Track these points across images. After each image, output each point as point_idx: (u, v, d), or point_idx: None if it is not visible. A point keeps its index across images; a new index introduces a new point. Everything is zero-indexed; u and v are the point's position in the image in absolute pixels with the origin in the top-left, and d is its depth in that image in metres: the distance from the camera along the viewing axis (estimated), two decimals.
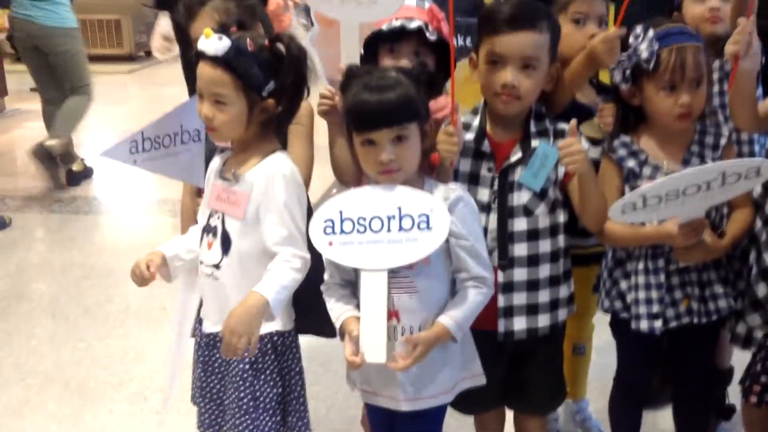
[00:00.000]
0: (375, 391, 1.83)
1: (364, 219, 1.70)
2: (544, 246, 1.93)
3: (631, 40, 1.91)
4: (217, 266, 1.83)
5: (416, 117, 1.71)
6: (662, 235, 1.87)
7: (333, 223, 1.71)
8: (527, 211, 1.90)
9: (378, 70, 1.79)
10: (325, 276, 1.82)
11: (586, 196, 1.88)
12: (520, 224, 1.90)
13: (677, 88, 1.87)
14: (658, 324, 1.94)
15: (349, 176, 1.97)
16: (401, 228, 1.68)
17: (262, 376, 1.86)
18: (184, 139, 2.03)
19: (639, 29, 1.90)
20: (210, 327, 1.89)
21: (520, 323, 1.94)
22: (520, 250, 1.91)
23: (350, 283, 1.80)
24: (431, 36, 1.99)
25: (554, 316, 1.97)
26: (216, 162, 1.91)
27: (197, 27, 2.19)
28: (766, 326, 1.97)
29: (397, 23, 2.00)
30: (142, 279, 1.86)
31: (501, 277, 1.91)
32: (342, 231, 1.70)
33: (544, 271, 1.93)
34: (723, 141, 1.95)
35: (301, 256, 1.78)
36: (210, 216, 1.86)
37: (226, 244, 1.82)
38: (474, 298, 1.74)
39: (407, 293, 1.73)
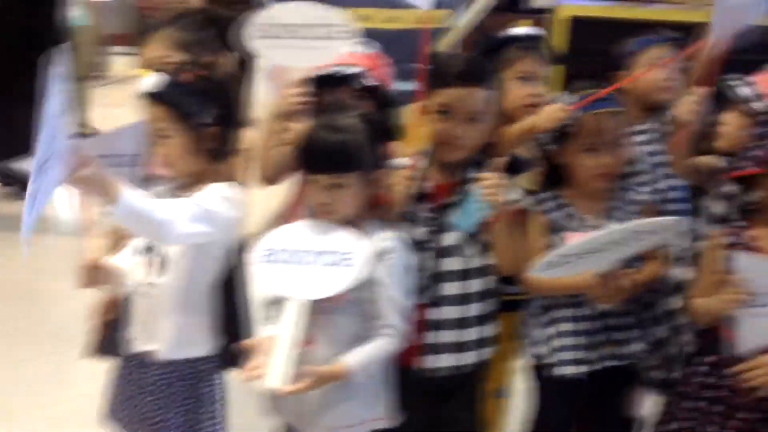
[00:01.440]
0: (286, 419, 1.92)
1: (297, 251, 1.78)
2: (474, 285, 2.01)
3: (568, 105, 2.03)
4: (152, 285, 1.86)
5: (357, 167, 1.78)
6: (582, 286, 1.96)
7: (273, 251, 1.79)
8: (459, 251, 1.98)
9: (338, 114, 1.85)
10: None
11: (498, 236, 1.97)
12: (452, 264, 1.98)
13: (597, 150, 1.99)
14: (581, 369, 2.02)
15: (272, 175, 2.09)
16: (327, 263, 1.76)
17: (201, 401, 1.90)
18: (116, 162, 1.98)
19: (564, 94, 2.03)
20: (140, 346, 1.91)
21: (447, 360, 2.01)
22: (450, 288, 1.99)
23: None
24: (370, 82, 2.06)
25: (480, 353, 2.05)
26: (161, 190, 1.93)
27: (148, 52, 2.23)
28: (664, 367, 2.06)
29: (334, 69, 2.08)
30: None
31: (431, 314, 1.98)
32: (278, 260, 1.78)
33: (473, 309, 2.01)
34: (640, 197, 2.06)
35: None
36: None
37: (164, 264, 1.86)
38: (382, 345, 1.81)
39: (323, 327, 1.80)
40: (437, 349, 2.01)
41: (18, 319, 3.50)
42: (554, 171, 2.10)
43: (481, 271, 2.02)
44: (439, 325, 2.00)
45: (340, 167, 1.77)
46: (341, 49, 2.04)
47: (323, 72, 2.09)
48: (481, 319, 2.04)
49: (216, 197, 1.80)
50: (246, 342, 1.81)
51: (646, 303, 2.09)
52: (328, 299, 1.76)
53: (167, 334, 1.88)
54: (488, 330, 2.06)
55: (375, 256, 1.78)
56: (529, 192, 2.16)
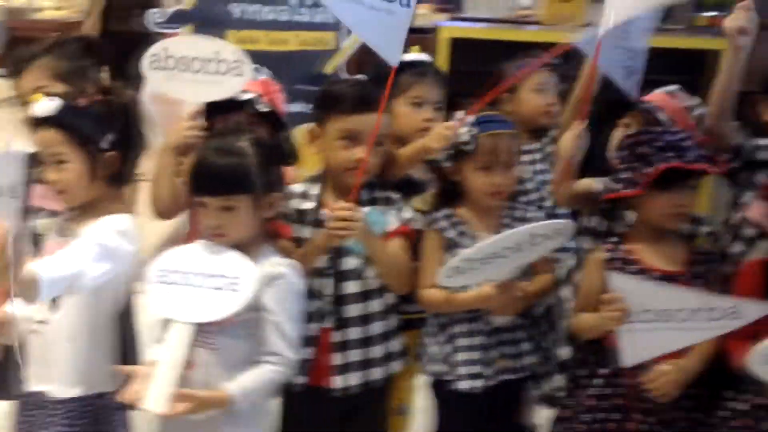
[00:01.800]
0: None
1: (188, 273, 1.77)
2: (375, 305, 2.06)
3: (453, 123, 2.08)
4: (43, 322, 1.81)
5: (248, 190, 1.77)
6: (481, 298, 2.02)
7: (164, 273, 1.78)
8: (358, 275, 2.02)
9: (229, 136, 1.84)
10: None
11: (375, 259, 2.02)
12: (352, 287, 2.02)
13: (492, 169, 2.07)
14: (478, 383, 2.08)
15: (166, 209, 2.07)
16: (214, 287, 1.75)
17: None
18: None
19: (460, 113, 2.10)
20: (36, 385, 1.84)
21: (355, 378, 2.05)
22: (353, 310, 2.03)
23: None
24: (263, 108, 2.08)
25: (388, 369, 2.11)
26: (49, 221, 1.88)
27: (24, 83, 2.15)
28: (568, 387, 2.16)
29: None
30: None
31: (336, 336, 2.02)
32: (169, 281, 1.77)
33: (376, 328, 2.06)
34: (529, 215, 2.15)
35: None
36: None
37: (55, 300, 1.80)
38: (266, 374, 1.78)
39: (208, 349, 1.79)
40: (345, 368, 2.05)
41: None
42: (448, 189, 2.17)
43: (381, 291, 2.08)
44: (345, 346, 2.04)
45: (230, 189, 1.76)
46: (234, 84, 2.05)
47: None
48: (385, 336, 2.10)
49: (112, 232, 1.77)
50: (125, 366, 1.77)
51: (538, 317, 2.18)
52: (213, 323, 1.75)
53: (63, 371, 1.82)
54: (394, 345, 2.12)
55: (264, 281, 1.77)
56: (423, 212, 2.22)
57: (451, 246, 2.10)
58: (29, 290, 1.56)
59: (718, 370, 2.12)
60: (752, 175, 2.17)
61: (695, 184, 1.96)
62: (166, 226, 2.21)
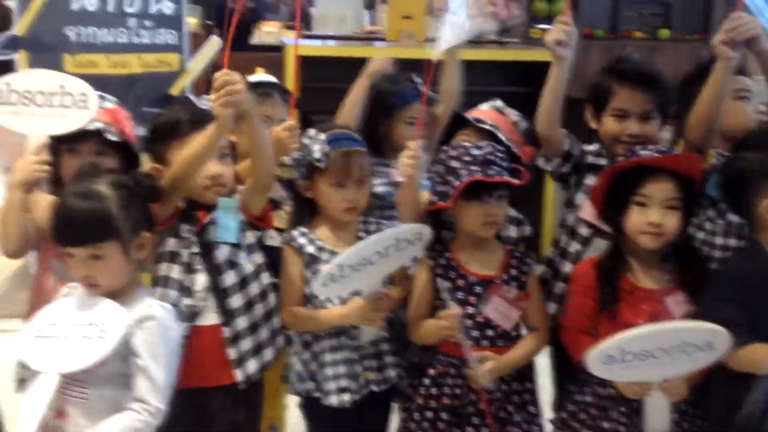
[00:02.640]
0: None
1: (57, 324, 1.73)
2: (254, 288, 2.07)
3: (305, 140, 2.11)
4: None
5: (111, 236, 1.72)
6: (348, 313, 2.06)
7: (41, 327, 1.75)
8: (232, 264, 2.02)
9: (85, 181, 1.79)
10: None
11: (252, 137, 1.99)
12: (229, 278, 2.02)
13: (344, 186, 2.11)
14: (346, 397, 2.10)
15: (15, 247, 2.01)
16: (83, 336, 1.70)
17: None
18: None
19: (312, 131, 2.13)
20: None
21: (253, 365, 2.06)
22: (236, 301, 2.03)
23: None
24: (112, 137, 2.04)
25: (276, 345, 2.13)
26: None
27: None
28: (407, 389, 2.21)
29: None
30: None
31: (227, 332, 2.02)
32: (43, 335, 1.74)
33: (259, 310, 2.08)
34: (383, 228, 2.17)
35: None
36: None
37: None
38: (127, 421, 1.72)
39: (77, 397, 1.74)
40: (243, 359, 2.05)
41: None
42: (304, 206, 2.19)
43: (255, 274, 2.09)
44: (236, 338, 2.04)
45: (95, 238, 1.70)
46: (80, 118, 2.03)
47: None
48: (267, 316, 2.11)
49: None
50: None
51: (398, 325, 2.21)
52: (82, 372, 1.69)
53: None
54: (276, 322, 2.14)
55: (135, 323, 1.73)
56: (281, 230, 2.22)
57: (310, 262, 2.12)
58: None
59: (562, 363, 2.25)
60: (582, 178, 2.31)
61: (503, 194, 2.08)
62: (12, 264, 2.10)
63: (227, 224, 2.03)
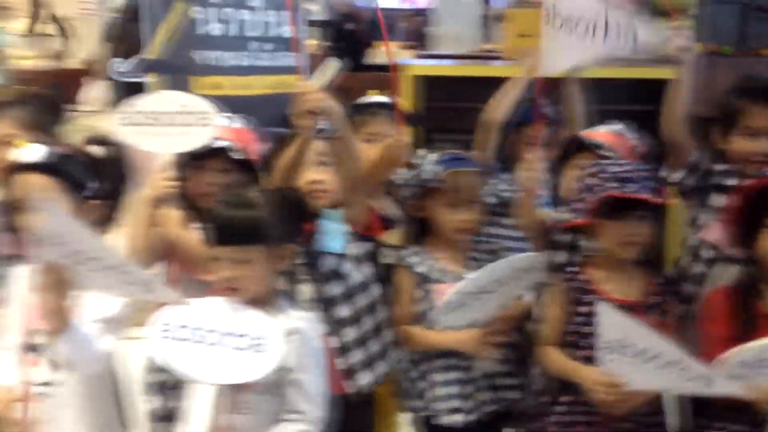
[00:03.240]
0: None
1: (201, 330, 1.69)
2: (361, 300, 2.08)
3: (417, 159, 2.13)
4: (47, 384, 1.77)
5: (262, 242, 1.73)
6: (466, 339, 2.05)
7: (171, 328, 1.70)
8: (337, 274, 2.04)
9: (242, 189, 1.85)
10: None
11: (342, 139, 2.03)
12: (335, 288, 2.04)
13: (456, 206, 2.10)
14: (458, 418, 2.08)
15: (143, 260, 2.04)
16: (236, 347, 1.67)
17: None
18: None
19: (423, 152, 2.15)
20: None
21: (365, 378, 2.07)
22: (342, 311, 2.04)
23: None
24: (237, 156, 2.10)
25: (389, 360, 2.13)
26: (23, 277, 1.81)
27: None
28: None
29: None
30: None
31: (334, 342, 2.02)
32: (180, 338, 1.69)
33: (367, 323, 2.08)
34: (495, 247, 2.19)
35: None
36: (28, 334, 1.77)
37: (55, 359, 1.76)
38: (289, 431, 1.72)
39: (238, 411, 1.73)
40: (351, 371, 2.06)
41: None
42: (417, 226, 2.20)
43: (362, 286, 2.09)
44: (345, 349, 2.05)
45: (242, 240, 1.72)
46: (202, 135, 2.09)
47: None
48: (377, 329, 2.12)
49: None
50: None
51: (519, 348, 2.17)
52: (240, 385, 1.70)
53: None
54: (388, 336, 2.14)
55: (282, 337, 1.71)
56: (394, 247, 2.23)
57: (421, 282, 2.12)
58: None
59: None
60: (707, 198, 2.21)
61: (644, 214, 1.98)
62: None
63: (332, 234, 2.05)
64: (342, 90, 2.39)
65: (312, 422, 1.73)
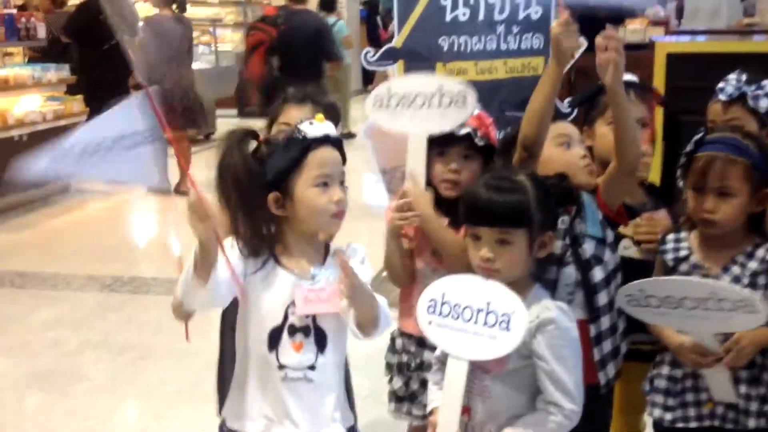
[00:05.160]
0: None
1: (459, 306, 1.74)
2: (614, 287, 2.01)
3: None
4: (311, 367, 1.77)
5: (524, 224, 1.74)
6: (673, 342, 1.95)
7: (435, 303, 1.77)
8: (598, 260, 1.99)
9: (507, 171, 1.86)
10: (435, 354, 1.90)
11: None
12: (597, 274, 1.99)
13: (703, 192, 1.93)
14: (668, 416, 1.97)
15: (399, 280, 2.17)
16: (486, 323, 1.71)
17: None
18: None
19: (702, 133, 1.99)
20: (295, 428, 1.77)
21: (612, 369, 2.04)
22: (602, 298, 2.00)
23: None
24: (479, 141, 2.12)
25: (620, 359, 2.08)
26: (262, 258, 1.77)
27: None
28: None
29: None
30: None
31: (592, 330, 1.98)
32: (440, 313, 1.76)
33: (614, 316, 2.03)
34: None
35: None
36: (287, 316, 1.76)
37: (321, 341, 1.78)
38: (544, 423, 1.71)
39: (480, 395, 1.77)
40: (604, 362, 2.02)
41: (151, 377, 3.65)
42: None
43: (615, 272, 2.03)
44: (600, 338, 2.01)
45: (506, 221, 1.73)
46: (459, 116, 2.11)
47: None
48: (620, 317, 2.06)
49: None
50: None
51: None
52: (487, 369, 1.73)
53: (329, 412, 1.79)
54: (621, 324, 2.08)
55: (535, 326, 1.72)
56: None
57: (668, 271, 2.00)
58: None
59: None
60: None
61: None
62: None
63: (593, 218, 2.01)
64: (585, 70, 2.34)
65: (567, 416, 1.71)
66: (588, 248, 1.99)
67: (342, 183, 1.79)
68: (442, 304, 1.76)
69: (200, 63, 9.63)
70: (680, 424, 1.97)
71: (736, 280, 1.92)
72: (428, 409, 1.87)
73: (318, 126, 1.76)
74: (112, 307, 4.56)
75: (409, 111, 2.15)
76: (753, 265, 1.93)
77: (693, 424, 1.97)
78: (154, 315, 4.44)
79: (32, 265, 5.22)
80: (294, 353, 1.75)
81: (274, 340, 1.76)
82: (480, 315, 1.71)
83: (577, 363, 1.74)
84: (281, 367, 1.76)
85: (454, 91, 2.11)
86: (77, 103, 7.08)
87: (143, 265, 5.36)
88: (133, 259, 5.49)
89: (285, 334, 1.76)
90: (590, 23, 2.04)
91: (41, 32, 7.23)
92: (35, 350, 3.96)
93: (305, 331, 1.76)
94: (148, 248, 5.87)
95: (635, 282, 1.83)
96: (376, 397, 2.67)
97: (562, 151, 2.07)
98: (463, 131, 2.12)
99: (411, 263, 2.18)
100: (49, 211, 6.64)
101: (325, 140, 1.76)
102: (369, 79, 11.92)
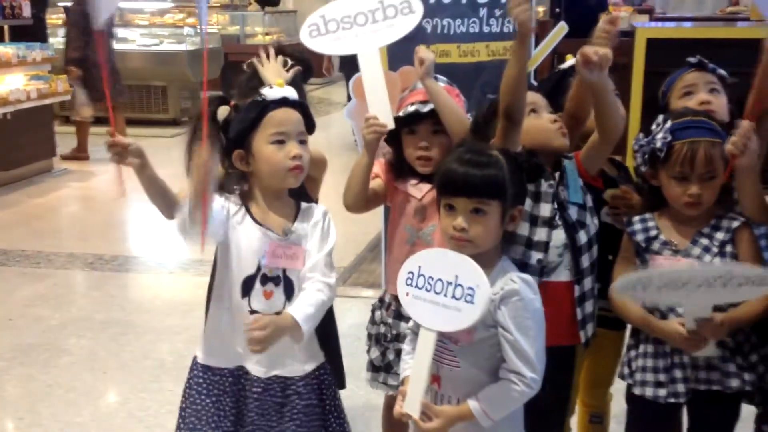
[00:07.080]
0: None
1: (433, 279, 1.80)
2: (595, 251, 2.08)
3: (653, 126, 2.04)
4: (278, 313, 1.92)
5: (499, 196, 1.79)
6: (668, 332, 1.95)
7: (413, 275, 1.83)
8: (581, 224, 2.04)
9: (479, 146, 1.89)
10: (409, 325, 1.95)
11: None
12: (582, 237, 2.04)
13: (688, 179, 1.96)
14: (662, 392, 2.00)
15: (355, 202, 2.22)
16: (453, 296, 1.76)
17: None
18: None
19: (660, 118, 2.03)
20: (267, 373, 1.97)
21: (591, 329, 2.09)
22: (585, 261, 2.05)
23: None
24: None
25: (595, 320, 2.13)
26: (236, 210, 1.96)
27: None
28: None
29: (411, 108, 2.19)
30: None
31: (577, 291, 2.03)
32: (416, 285, 1.82)
33: (594, 279, 2.08)
34: (735, 224, 2.00)
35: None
36: (260, 267, 1.94)
37: (289, 291, 1.95)
38: (507, 391, 1.77)
39: (449, 365, 1.81)
40: (584, 321, 2.06)
41: (132, 352, 3.67)
42: (652, 193, 2.09)
43: (596, 236, 2.08)
44: (583, 299, 2.05)
45: (482, 191, 1.78)
46: (407, 23, 2.12)
47: (403, 112, 2.20)
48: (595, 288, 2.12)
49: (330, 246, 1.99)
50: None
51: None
52: (454, 339, 1.78)
53: (300, 350, 1.98)
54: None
55: (499, 298, 1.76)
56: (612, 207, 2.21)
57: (639, 251, 2.05)
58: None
59: None
60: None
61: None
62: (367, 238, 2.33)
63: (575, 185, 2.05)
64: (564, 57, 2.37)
65: (528, 384, 1.76)
66: (572, 213, 2.03)
67: (302, 142, 1.95)
68: (419, 276, 1.81)
69: (186, 45, 9.58)
70: (671, 400, 2.01)
71: (706, 250, 1.98)
72: (400, 378, 1.91)
73: (277, 90, 1.94)
74: (94, 284, 4.59)
75: (352, 31, 2.14)
76: (719, 235, 2.00)
77: (682, 399, 2.01)
78: (136, 293, 4.48)
79: (15, 244, 5.23)
80: (264, 300, 1.95)
81: (247, 287, 1.95)
82: (449, 288, 1.76)
83: (539, 333, 1.79)
84: (252, 311, 1.94)
85: (398, 0, 2.12)
86: (61, 82, 7.05)
87: (125, 243, 5.38)
88: (114, 238, 5.50)
89: (258, 283, 1.95)
90: (590, 12, 2.05)
91: (26, 11, 7.18)
92: (18, 325, 3.98)
93: (275, 280, 1.95)
94: (129, 227, 5.90)
95: (645, 271, 1.88)
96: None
97: (533, 118, 2.08)
98: (428, 108, 2.15)
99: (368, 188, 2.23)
100: (32, 190, 6.64)
101: (283, 102, 1.93)
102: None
